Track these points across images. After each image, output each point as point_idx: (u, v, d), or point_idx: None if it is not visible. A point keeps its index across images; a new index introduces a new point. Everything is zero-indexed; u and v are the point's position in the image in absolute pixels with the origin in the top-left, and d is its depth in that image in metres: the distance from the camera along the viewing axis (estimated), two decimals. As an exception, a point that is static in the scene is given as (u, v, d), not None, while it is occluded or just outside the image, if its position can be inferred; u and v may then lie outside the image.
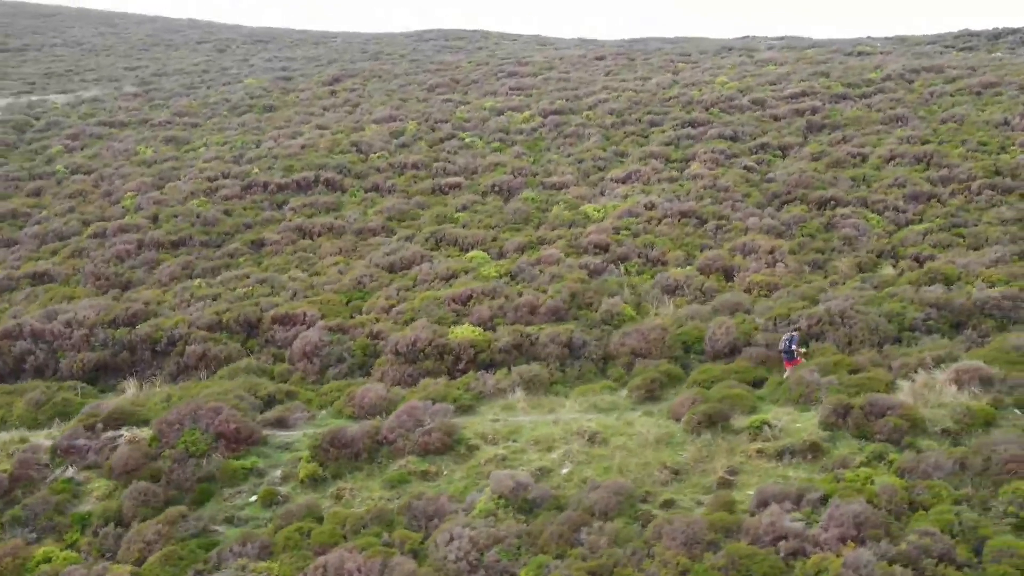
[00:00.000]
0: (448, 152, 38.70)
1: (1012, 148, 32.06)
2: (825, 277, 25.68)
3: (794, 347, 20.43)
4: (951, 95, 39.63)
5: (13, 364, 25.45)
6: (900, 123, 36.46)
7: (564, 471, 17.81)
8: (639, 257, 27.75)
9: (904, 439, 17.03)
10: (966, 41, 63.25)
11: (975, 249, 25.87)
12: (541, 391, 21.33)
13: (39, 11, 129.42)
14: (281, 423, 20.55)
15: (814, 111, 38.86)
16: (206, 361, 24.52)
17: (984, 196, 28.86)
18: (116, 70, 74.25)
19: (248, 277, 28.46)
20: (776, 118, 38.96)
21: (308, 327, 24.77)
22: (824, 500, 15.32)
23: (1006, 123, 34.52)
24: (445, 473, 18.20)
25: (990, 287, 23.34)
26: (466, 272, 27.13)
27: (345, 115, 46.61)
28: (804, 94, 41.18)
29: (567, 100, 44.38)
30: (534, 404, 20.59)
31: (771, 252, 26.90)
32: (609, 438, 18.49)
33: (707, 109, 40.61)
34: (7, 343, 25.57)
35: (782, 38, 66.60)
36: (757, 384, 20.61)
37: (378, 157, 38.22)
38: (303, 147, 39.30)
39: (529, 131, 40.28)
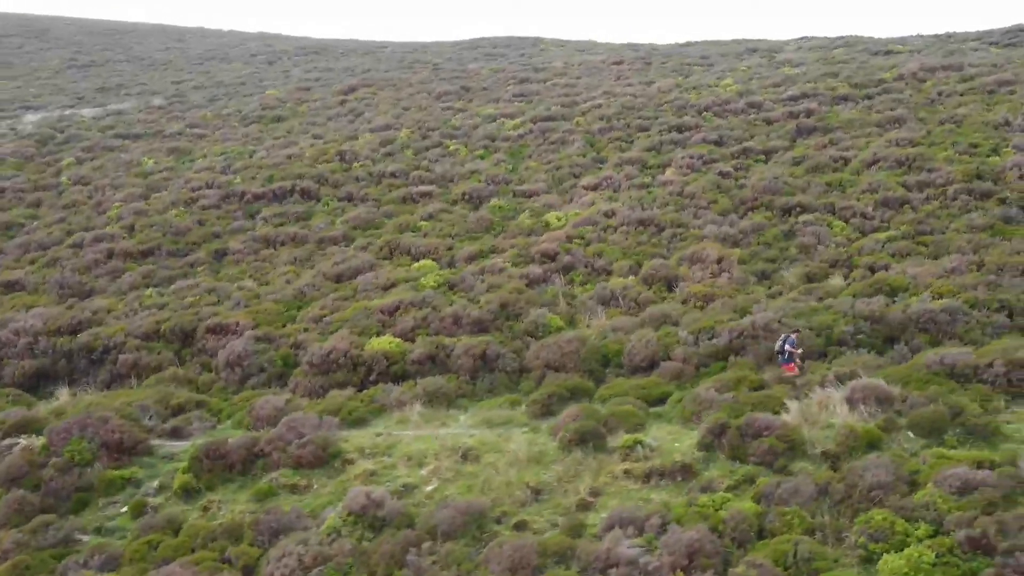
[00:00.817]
0: (430, 160, 38.43)
1: (1005, 150, 30.04)
2: (770, 288, 24.48)
3: (788, 348, 19.06)
4: (960, 95, 37.46)
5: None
6: (896, 125, 34.58)
7: (429, 488, 17.27)
8: (585, 267, 26.95)
9: (778, 462, 16.00)
10: (1013, 37, 60.04)
11: (935, 258, 24.27)
12: (444, 404, 20.80)
13: (115, 28, 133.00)
14: (176, 433, 20.52)
15: (809, 113, 37.21)
16: (137, 370, 24.73)
17: (959, 201, 27.10)
18: (164, 83, 76.41)
19: (198, 286, 28.68)
20: (769, 121, 37.46)
21: (238, 336, 24.78)
22: (665, 526, 14.47)
23: (1007, 123, 32.40)
24: (315, 487, 17.84)
25: (936, 299, 21.85)
26: (407, 282, 26.77)
27: (347, 124, 46.84)
28: (805, 96, 39.51)
29: (563, 106, 43.63)
30: (428, 418, 20.06)
31: (719, 261, 25.78)
32: (483, 455, 17.85)
33: (700, 113, 39.36)
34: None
35: (806, 38, 64.26)
36: (662, 400, 19.68)
37: (360, 166, 38.20)
38: (289, 157, 39.57)
39: (515, 138, 39.69)
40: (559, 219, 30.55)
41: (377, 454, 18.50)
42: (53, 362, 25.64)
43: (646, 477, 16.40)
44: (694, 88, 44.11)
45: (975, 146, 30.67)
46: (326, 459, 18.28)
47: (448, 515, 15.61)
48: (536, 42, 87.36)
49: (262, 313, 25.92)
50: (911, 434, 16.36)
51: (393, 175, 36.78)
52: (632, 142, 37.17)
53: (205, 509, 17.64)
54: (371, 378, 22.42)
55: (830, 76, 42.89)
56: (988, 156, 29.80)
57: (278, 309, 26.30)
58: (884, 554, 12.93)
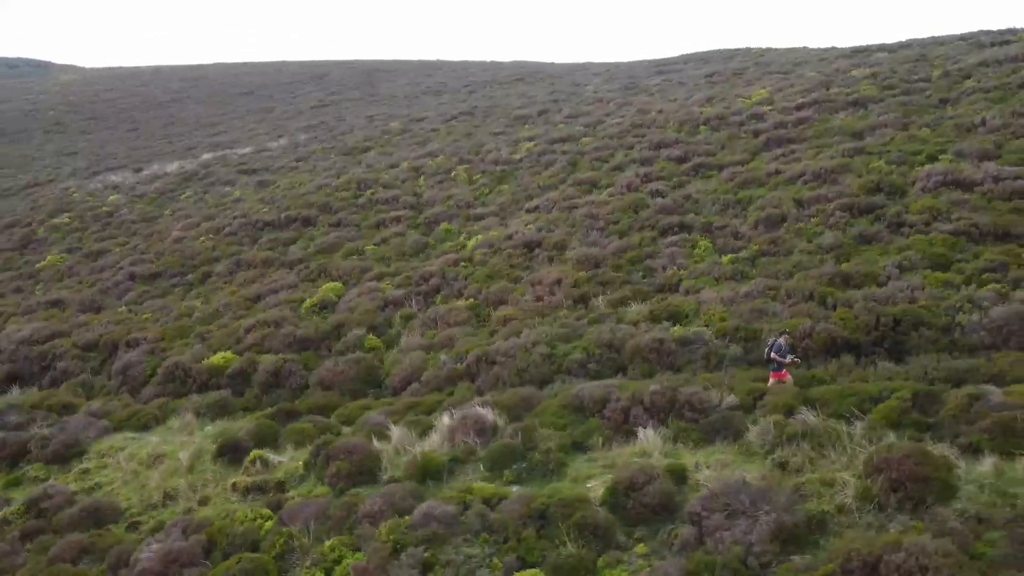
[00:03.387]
0: (429, 186, 40.32)
1: (942, 156, 26.17)
2: (584, 311, 23.86)
3: (774, 355, 16.77)
4: (986, 91, 32.63)
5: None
6: (872, 132, 30.96)
7: (108, 486, 19.55)
8: (449, 289, 27.67)
9: (339, 485, 16.40)
10: None
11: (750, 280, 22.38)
12: (222, 415, 22.88)
13: (377, 67, 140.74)
14: (19, 427, 24.47)
15: (800, 122, 34.27)
16: (67, 376, 29.33)
17: (835, 218, 24.32)
18: (358, 119, 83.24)
19: (164, 306, 32.99)
20: (757, 133, 34.93)
21: (133, 350, 28.53)
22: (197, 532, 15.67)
23: (983, 123, 28.00)
24: (51, 480, 20.80)
25: (704, 326, 20.45)
26: (293, 302, 29.12)
27: (411, 152, 49.90)
28: (815, 103, 36.30)
29: (585, 126, 43.43)
30: (192, 428, 22.23)
31: (558, 282, 25.47)
32: (166, 460, 19.77)
33: (697, 127, 37.58)
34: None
35: (906, 43, 57.14)
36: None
37: (371, 193, 41.02)
38: (319, 187, 43.37)
39: (516, 161, 40.38)
40: (473, 243, 31.27)
41: (109, 455, 21.06)
42: (24, 367, 31.07)
43: (246, 490, 17.49)
44: (721, 100, 41.88)
45: (915, 154, 26.98)
46: (68, 457, 21.18)
47: (76, 512, 17.85)
48: (747, 52, 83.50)
49: (172, 330, 29.51)
50: (481, 466, 16.06)
51: (386, 201, 39.17)
52: (607, 161, 36.48)
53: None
54: (194, 389, 25.05)
55: (868, 78, 38.82)
56: (921, 164, 26.16)
57: (188, 326, 29.75)
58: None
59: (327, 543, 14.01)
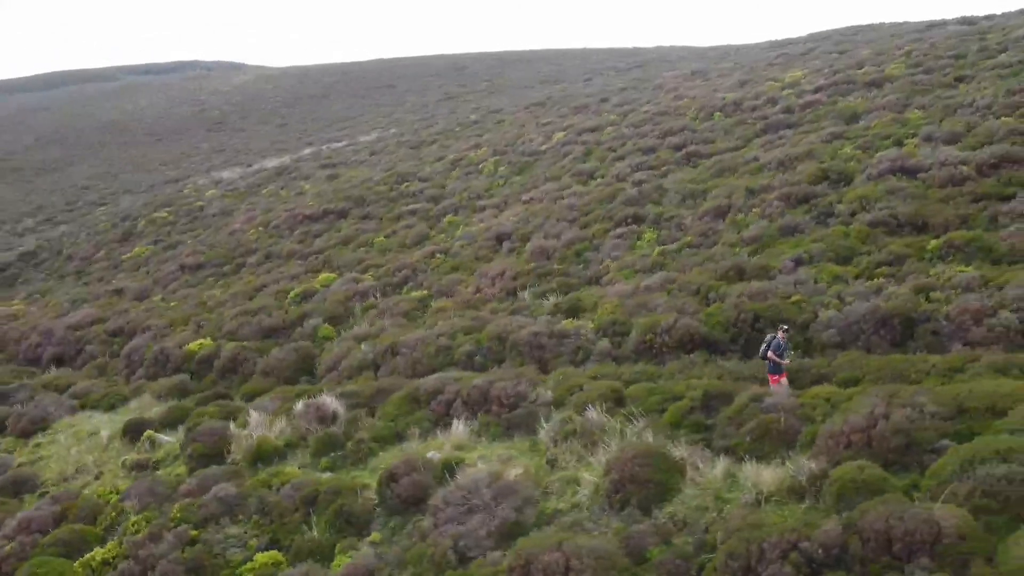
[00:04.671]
0: (457, 178, 41.17)
1: (908, 141, 24.41)
2: (509, 303, 24.20)
3: (771, 355, 14.98)
4: (1007, 67, 29.95)
5: (32, 352, 36.31)
6: (865, 116, 29.10)
7: (38, 458, 21.80)
8: (411, 282, 28.57)
9: (203, 466, 17.70)
10: None
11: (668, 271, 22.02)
12: (178, 397, 24.84)
13: (527, 57, 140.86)
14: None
15: (808, 106, 32.59)
16: (92, 358, 32.43)
17: (771, 208, 23.34)
18: (452, 111, 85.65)
19: (189, 294, 35.72)
20: (762, 119, 33.50)
21: (144, 335, 31.18)
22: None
23: (971, 103, 25.83)
24: (15, 451, 23.38)
25: (591, 320, 20.49)
26: (283, 292, 30.90)
27: (464, 144, 50.93)
28: (835, 84, 34.33)
29: (620, 114, 42.86)
30: (139, 407, 24.24)
31: (500, 274, 25.88)
32: (96, 436, 21.79)
33: (711, 114, 36.38)
34: (30, 339, 36.54)
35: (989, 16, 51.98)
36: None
37: (405, 187, 42.42)
38: (363, 181, 45.17)
39: (542, 152, 40.51)
40: (459, 234, 31.99)
41: (63, 431, 23.38)
42: (67, 349, 34.55)
43: (132, 467, 19.18)
44: (754, 84, 40.23)
45: (885, 138, 25.29)
46: (32, 432, 23.70)
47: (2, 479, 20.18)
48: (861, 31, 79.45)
49: (180, 317, 32.01)
50: (309, 452, 17.00)
51: (412, 195, 40.43)
52: (615, 151, 36.05)
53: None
54: (170, 372, 27.22)
55: (902, 59, 36.23)
56: (885, 150, 24.54)
57: (194, 314, 32.15)
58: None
59: (133, 518, 15.34)
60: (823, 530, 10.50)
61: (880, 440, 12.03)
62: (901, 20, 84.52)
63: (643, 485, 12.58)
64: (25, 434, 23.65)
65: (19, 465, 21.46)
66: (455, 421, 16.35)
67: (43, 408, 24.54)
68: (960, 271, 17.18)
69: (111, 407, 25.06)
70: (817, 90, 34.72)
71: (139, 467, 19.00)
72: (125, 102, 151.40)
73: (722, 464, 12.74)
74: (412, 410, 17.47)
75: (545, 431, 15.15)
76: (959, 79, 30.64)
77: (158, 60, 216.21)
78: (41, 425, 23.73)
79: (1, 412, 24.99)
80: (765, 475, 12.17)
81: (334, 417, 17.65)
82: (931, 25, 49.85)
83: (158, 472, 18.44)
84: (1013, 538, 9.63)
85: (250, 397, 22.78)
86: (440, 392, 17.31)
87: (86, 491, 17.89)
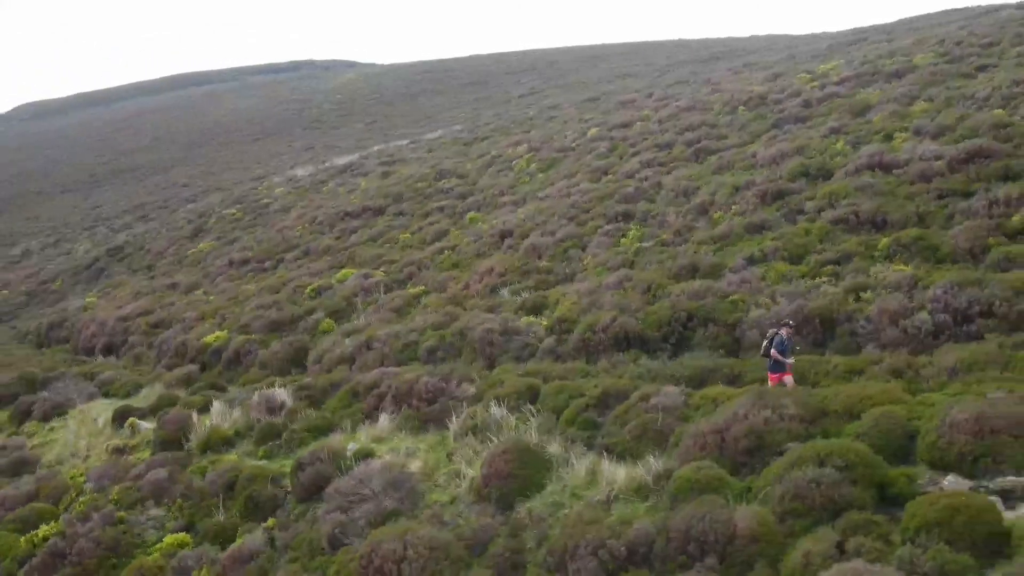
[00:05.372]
0: (491, 175, 41.75)
1: (898, 134, 23.60)
2: (490, 299, 24.74)
3: (773, 352, 14.08)
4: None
5: (88, 342, 38.91)
6: (875, 109, 28.15)
7: (46, 439, 23.63)
8: (415, 278, 29.41)
9: (164, 450, 19.02)
10: None
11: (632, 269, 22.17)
12: (185, 386, 26.45)
13: (623, 49, 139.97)
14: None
15: (823, 99, 31.74)
16: (133, 348, 34.60)
17: (747, 205, 23.05)
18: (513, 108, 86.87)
19: (225, 288, 37.60)
20: (780, 112, 32.77)
21: (176, 327, 33.11)
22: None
23: (972, 97, 24.72)
24: (36, 433, 25.37)
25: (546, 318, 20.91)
26: (302, 287, 32.27)
27: (510, 140, 51.45)
28: (858, 76, 33.25)
29: (654, 109, 42.52)
30: (148, 395, 25.88)
31: (490, 271, 26.44)
32: (97, 421, 23.45)
33: (735, 109, 35.77)
34: (89, 329, 39.20)
35: None
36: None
37: (442, 183, 43.32)
38: (406, 178, 46.32)
39: (572, 148, 40.65)
40: (474, 230, 32.64)
41: (75, 417, 25.21)
42: (116, 339, 36.94)
43: (114, 451, 20.66)
44: (786, 76, 39.25)
45: (879, 131, 24.54)
46: (51, 416, 25.65)
47: (3, 462, 22.06)
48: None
49: (210, 310, 33.81)
50: (253, 442, 18.06)
51: (445, 191, 41.29)
52: (635, 147, 35.91)
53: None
54: (187, 362, 28.91)
55: (937, 44, 34.72)
56: (880, 142, 23.85)
57: (223, 307, 33.89)
58: None
59: (82, 499, 16.66)
60: (635, 528, 10.73)
61: (732, 442, 12.10)
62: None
63: (508, 480, 13.00)
64: (46, 418, 25.60)
65: (32, 448, 23.33)
66: (382, 415, 17.05)
67: (65, 395, 26.50)
68: (897, 270, 16.80)
69: (127, 395, 26.81)
70: (841, 82, 33.76)
71: (118, 452, 20.44)
72: (238, 102, 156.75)
73: (587, 462, 13.02)
74: (351, 403, 18.28)
75: (453, 426, 15.68)
76: (980, 68, 29.31)
77: (275, 60, 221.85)
78: (60, 411, 25.64)
79: (35, 398, 27.14)
80: (620, 474, 12.41)
81: (281, 408, 18.62)
82: (988, 10, 47.47)
83: (130, 457, 19.82)
84: (804, 541, 9.65)
85: (245, 386, 24.07)
86: (377, 386, 18.04)
87: (68, 472, 19.38)
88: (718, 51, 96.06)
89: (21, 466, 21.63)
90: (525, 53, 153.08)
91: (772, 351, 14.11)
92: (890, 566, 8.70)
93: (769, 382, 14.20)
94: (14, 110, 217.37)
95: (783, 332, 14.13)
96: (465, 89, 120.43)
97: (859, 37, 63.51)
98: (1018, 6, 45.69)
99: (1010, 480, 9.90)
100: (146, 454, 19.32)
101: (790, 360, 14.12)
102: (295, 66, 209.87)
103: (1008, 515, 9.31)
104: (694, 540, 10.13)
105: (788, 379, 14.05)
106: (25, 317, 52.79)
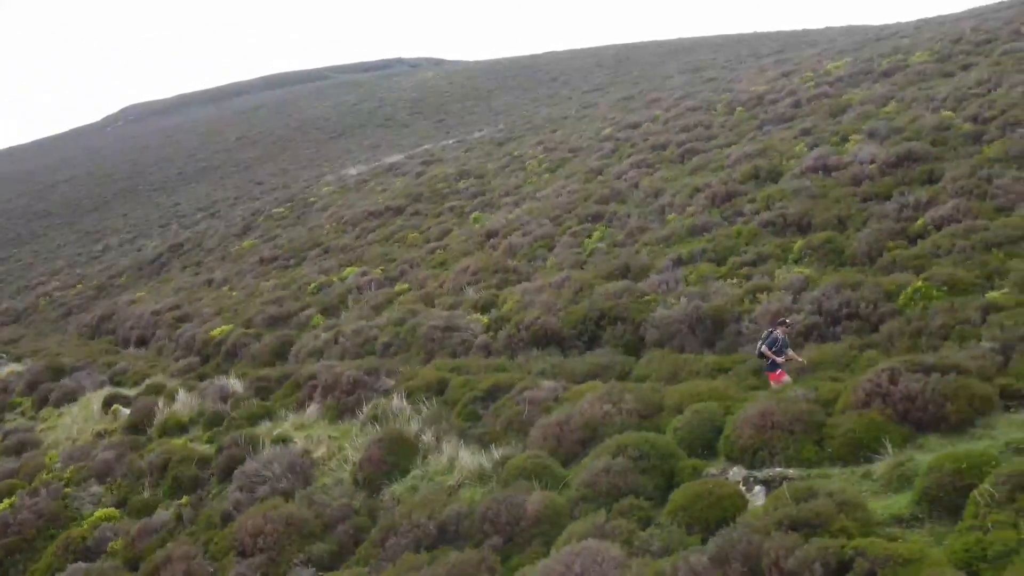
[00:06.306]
0: (504, 176, 42.84)
1: (853, 136, 23.77)
2: (459, 297, 25.93)
3: (765, 350, 13.72)
4: (1010, 55, 28.05)
5: (127, 334, 41.59)
6: (852, 109, 28.13)
7: (52, 423, 25.82)
8: (406, 275, 30.80)
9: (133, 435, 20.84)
10: None
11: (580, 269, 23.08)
12: (186, 376, 28.45)
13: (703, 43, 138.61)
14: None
15: (820, 96, 31.71)
16: (158, 341, 36.99)
17: (697, 208, 23.63)
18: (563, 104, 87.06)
19: (247, 285, 39.75)
20: (768, 113, 32.89)
21: (194, 321, 35.31)
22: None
23: (943, 100, 24.61)
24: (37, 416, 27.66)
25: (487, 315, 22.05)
26: (307, 284, 34.07)
27: (536, 140, 52.39)
28: (851, 75, 33.12)
29: (665, 109, 42.81)
30: (151, 384, 27.98)
31: (464, 270, 27.63)
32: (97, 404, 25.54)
33: (733, 110, 35.95)
34: (129, 322, 41.90)
35: None
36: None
37: (461, 184, 44.64)
38: (431, 177, 47.79)
39: (581, 149, 41.38)
40: (469, 229, 33.85)
41: (81, 403, 27.41)
42: (147, 333, 39.48)
43: (97, 434, 22.65)
44: (792, 74, 39.10)
45: (836, 133, 24.71)
46: (62, 402, 27.95)
47: (8, 443, 24.34)
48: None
49: (226, 306, 35.93)
50: (202, 427, 19.70)
51: (458, 192, 42.58)
52: (635, 146, 36.47)
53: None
54: (194, 354, 30.97)
55: (938, 42, 34.19)
56: (835, 144, 24.10)
57: (239, 302, 35.95)
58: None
59: (43, 475, 18.55)
60: (450, 509, 11.82)
61: (568, 433, 13.04)
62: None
63: (379, 465, 14.22)
64: (58, 404, 27.93)
65: (40, 431, 25.61)
66: (312, 404, 18.46)
67: (78, 383, 28.81)
68: (796, 272, 17.34)
69: (134, 384, 28.96)
70: (835, 81, 33.65)
71: (99, 435, 22.41)
72: (325, 101, 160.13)
73: (448, 451, 14.12)
74: (292, 392, 19.75)
75: (361, 415, 16.96)
76: (965, 67, 28.95)
77: (367, 59, 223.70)
78: (71, 398, 27.93)
79: (54, 386, 29.57)
80: (468, 461, 13.48)
81: (234, 395, 20.22)
82: (1011, 5, 46.04)
83: (106, 440, 21.74)
84: (576, 523, 10.57)
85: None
86: (314, 378, 19.45)
87: (47, 454, 21.40)
88: (782, 44, 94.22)
89: (23, 446, 23.85)
90: (598, 49, 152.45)
91: (764, 349, 13.71)
92: (624, 545, 9.58)
93: (770, 382, 13.79)
94: (121, 111, 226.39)
95: (778, 331, 13.81)
96: (538, 86, 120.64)
97: (893, 32, 62.16)
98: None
99: (776, 471, 10.62)
100: (118, 436, 21.18)
101: (782, 359, 13.65)
102: (385, 64, 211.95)
103: (756, 503, 10.07)
104: (489, 521, 11.17)
105: (787, 378, 13.62)
106: (92, 310, 56.43)
